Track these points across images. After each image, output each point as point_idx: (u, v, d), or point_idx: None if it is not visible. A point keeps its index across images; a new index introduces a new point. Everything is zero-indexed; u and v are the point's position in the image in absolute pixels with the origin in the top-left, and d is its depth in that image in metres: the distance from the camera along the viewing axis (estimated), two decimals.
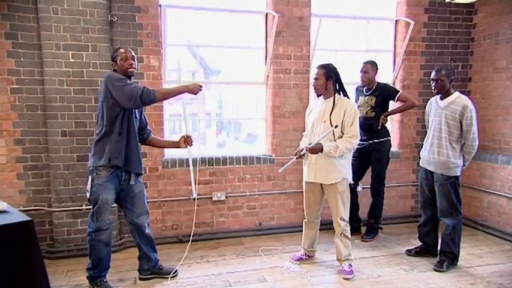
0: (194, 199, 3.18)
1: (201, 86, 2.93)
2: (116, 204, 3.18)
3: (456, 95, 3.27)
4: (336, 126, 3.08)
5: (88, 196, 2.91)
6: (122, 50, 2.91)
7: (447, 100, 3.27)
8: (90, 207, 2.92)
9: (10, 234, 2.07)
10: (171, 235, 4.02)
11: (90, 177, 2.89)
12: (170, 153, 4.13)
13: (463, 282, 3.15)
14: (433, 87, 3.31)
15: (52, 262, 3.49)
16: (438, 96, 3.37)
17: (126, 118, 2.87)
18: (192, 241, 3.99)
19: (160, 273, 3.21)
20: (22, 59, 3.46)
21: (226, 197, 4.15)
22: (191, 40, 4.29)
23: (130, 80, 2.91)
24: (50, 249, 3.64)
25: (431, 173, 3.40)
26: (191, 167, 3.25)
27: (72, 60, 3.48)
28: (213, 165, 4.08)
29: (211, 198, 4.10)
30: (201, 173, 4.06)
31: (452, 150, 3.24)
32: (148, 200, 3.83)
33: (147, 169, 3.86)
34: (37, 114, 3.54)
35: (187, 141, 3.16)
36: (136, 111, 3.00)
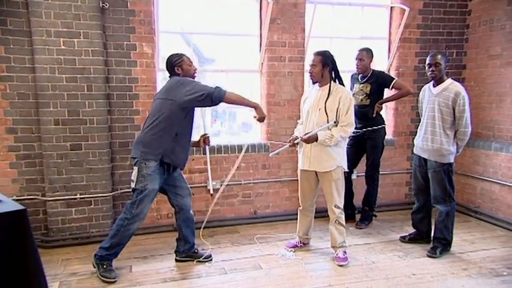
0: (211, 195, 3.40)
1: (264, 117, 3.08)
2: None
3: (449, 81, 3.27)
4: (335, 122, 3.09)
5: (133, 186, 2.94)
6: (186, 57, 3.05)
7: (440, 87, 3.27)
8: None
9: (3, 223, 2.04)
10: (166, 223, 4.02)
11: (136, 167, 2.92)
12: None
13: (456, 267, 3.19)
14: (429, 73, 3.28)
15: (47, 251, 3.48)
16: (431, 84, 3.37)
17: (188, 119, 2.98)
18: None
19: (195, 256, 3.30)
20: (12, 46, 3.39)
21: (221, 185, 4.13)
22: (185, 27, 4.23)
23: None
24: (45, 238, 3.63)
25: (425, 160, 3.41)
26: (209, 165, 3.34)
27: (63, 47, 3.42)
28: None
29: (206, 186, 4.09)
30: (196, 162, 4.05)
31: (446, 137, 3.25)
32: None
33: None
34: (29, 103, 3.49)
35: (205, 140, 3.27)
36: (195, 111, 3.08)
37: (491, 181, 4.28)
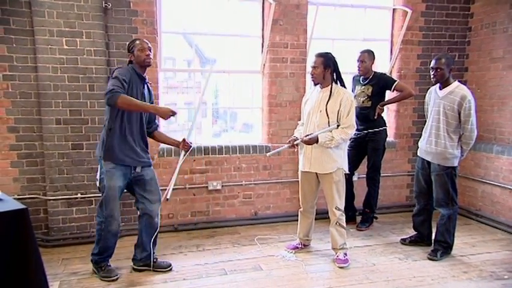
0: (167, 200, 3.11)
1: (172, 112, 2.81)
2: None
3: (455, 84, 3.24)
4: (338, 125, 3.08)
5: (97, 185, 2.92)
6: (138, 41, 2.90)
7: (446, 90, 3.24)
8: (98, 195, 2.99)
9: (5, 222, 2.05)
10: (167, 224, 4.02)
11: (99, 165, 2.91)
12: None
13: (456, 270, 3.19)
14: (432, 76, 3.27)
15: (48, 250, 3.49)
16: (437, 86, 3.34)
17: (126, 115, 2.86)
18: (188, 230, 4.03)
19: (154, 266, 3.13)
20: (14, 45, 3.40)
21: (222, 186, 4.14)
22: (187, 28, 4.24)
23: (145, 71, 2.95)
24: (46, 237, 3.63)
25: (428, 163, 3.40)
26: (177, 171, 3.12)
27: (66, 47, 3.42)
28: (209, 154, 4.07)
29: (207, 187, 4.10)
30: (197, 162, 4.05)
31: (450, 141, 3.23)
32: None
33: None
34: (31, 102, 3.50)
35: (185, 145, 3.12)
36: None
37: (493, 184, 4.28)
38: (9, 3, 3.34)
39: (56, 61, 3.42)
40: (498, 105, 4.33)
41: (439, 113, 3.26)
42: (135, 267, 3.15)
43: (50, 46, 3.39)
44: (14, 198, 2.58)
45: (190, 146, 3.14)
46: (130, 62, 2.94)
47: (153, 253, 3.16)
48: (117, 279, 2.97)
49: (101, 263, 3.01)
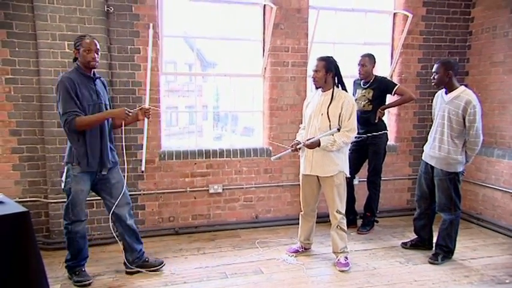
0: (142, 172, 3.11)
1: (127, 112, 2.84)
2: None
3: (461, 89, 3.20)
4: (338, 129, 3.09)
5: (62, 187, 2.91)
6: (87, 41, 2.78)
7: (452, 95, 3.21)
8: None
9: (6, 224, 2.05)
10: (167, 227, 4.03)
11: (65, 168, 2.88)
12: (167, 145, 4.13)
13: (458, 274, 3.18)
14: (432, 80, 3.31)
15: (49, 253, 3.49)
16: (444, 90, 3.31)
17: None
18: (189, 233, 4.03)
19: (146, 266, 3.13)
20: (17, 49, 3.42)
21: (223, 189, 4.15)
22: (188, 32, 4.26)
23: (91, 71, 2.85)
24: (46, 240, 3.64)
25: (432, 167, 3.38)
26: (145, 141, 3.15)
27: (68, 50, 3.44)
28: (210, 157, 4.08)
29: (208, 190, 4.10)
30: (198, 166, 4.06)
31: (454, 146, 3.20)
32: (145, 192, 3.85)
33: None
34: (33, 105, 3.52)
35: (146, 112, 3.05)
36: (102, 104, 2.90)
37: (494, 188, 4.27)
38: (12, 7, 3.36)
39: (58, 65, 3.44)
40: (499, 109, 4.33)
41: (444, 118, 3.23)
42: (128, 270, 3.13)
43: (52, 50, 3.41)
44: (16, 201, 2.60)
45: (149, 110, 3.07)
46: (75, 59, 2.83)
47: (143, 252, 3.16)
48: (90, 283, 2.96)
49: (75, 268, 2.98)
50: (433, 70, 3.26)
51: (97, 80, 2.92)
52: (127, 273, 3.13)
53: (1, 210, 2.12)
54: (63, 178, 2.89)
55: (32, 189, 3.61)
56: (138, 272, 3.12)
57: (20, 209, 2.15)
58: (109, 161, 2.94)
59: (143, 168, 3.17)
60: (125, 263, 3.14)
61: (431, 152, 3.36)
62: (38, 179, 3.61)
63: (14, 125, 3.50)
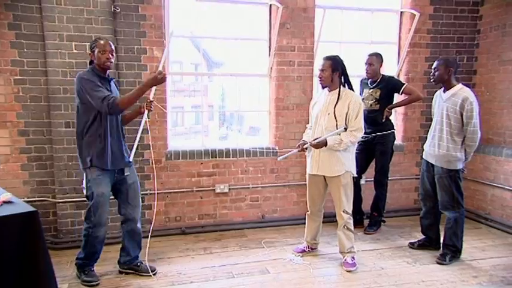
0: (129, 162, 3.04)
1: (161, 73, 2.70)
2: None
3: (458, 87, 3.23)
4: (345, 128, 3.09)
5: (85, 193, 2.91)
6: (101, 42, 2.80)
7: (449, 92, 3.25)
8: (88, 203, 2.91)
9: (15, 224, 2.08)
10: (174, 227, 4.04)
11: (84, 174, 2.89)
12: (174, 145, 4.14)
13: (466, 275, 3.16)
14: (431, 77, 3.33)
15: (56, 253, 3.51)
16: (442, 89, 3.35)
17: (104, 118, 2.82)
18: (195, 233, 4.04)
19: (138, 270, 3.14)
20: (25, 49, 3.45)
21: (230, 189, 4.15)
22: (194, 32, 4.27)
23: (106, 73, 2.88)
24: (54, 239, 3.67)
25: (433, 165, 3.39)
26: (139, 133, 3.12)
27: (75, 51, 3.46)
28: (216, 157, 4.09)
29: (214, 190, 4.11)
30: (204, 165, 4.07)
31: (453, 144, 3.22)
32: (151, 192, 3.87)
33: (150, 161, 3.87)
34: (41, 106, 3.55)
35: (148, 105, 3.01)
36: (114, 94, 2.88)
37: (502, 188, 4.23)
38: (21, 8, 3.40)
39: (66, 65, 3.46)
40: (507, 108, 4.29)
41: (442, 116, 3.26)
42: (120, 269, 3.16)
43: (59, 50, 3.43)
44: (24, 201, 2.62)
45: (152, 103, 3.03)
46: (91, 61, 2.86)
47: (138, 257, 3.17)
48: (98, 283, 2.96)
49: (85, 267, 3.00)
50: (433, 67, 3.28)
51: (111, 81, 2.96)
52: (120, 272, 3.16)
53: (10, 210, 2.15)
54: (84, 184, 2.89)
55: (39, 189, 3.64)
56: (130, 273, 3.14)
57: (29, 208, 2.18)
58: (124, 161, 2.96)
59: (131, 159, 3.08)
60: (118, 262, 3.18)
61: (431, 151, 3.37)
62: (46, 179, 3.64)
63: (22, 126, 3.53)
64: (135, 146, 3.14)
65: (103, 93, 2.72)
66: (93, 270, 3.04)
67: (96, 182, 2.83)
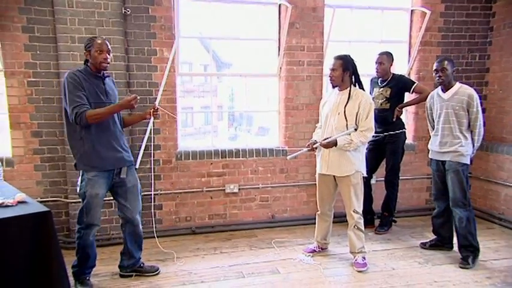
0: (136, 169, 3.07)
1: (133, 98, 2.73)
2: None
3: (458, 85, 3.29)
4: (355, 128, 3.07)
5: (77, 191, 2.83)
6: (98, 41, 2.72)
7: (450, 92, 3.28)
8: (81, 202, 2.85)
9: (29, 224, 2.11)
10: (184, 227, 4.06)
11: (80, 172, 2.81)
12: (184, 145, 4.17)
13: (479, 276, 3.11)
14: (436, 78, 3.29)
15: (69, 252, 3.53)
16: (439, 90, 3.37)
17: None
18: (205, 233, 4.06)
19: (141, 271, 3.13)
20: (38, 52, 3.51)
21: (239, 189, 4.16)
22: (203, 32, 4.29)
23: (101, 73, 2.80)
24: (67, 239, 3.71)
25: (443, 163, 3.37)
26: (145, 140, 3.16)
27: None
28: (226, 157, 4.10)
29: (224, 190, 4.12)
30: (214, 165, 4.08)
31: (465, 139, 3.26)
32: (162, 192, 3.90)
33: (161, 161, 3.90)
34: (53, 107, 3.60)
35: (154, 112, 3.04)
36: (111, 103, 2.83)
37: None
38: (34, 12, 3.45)
39: (77, 67, 3.49)
40: None
41: (448, 115, 3.27)
42: (122, 273, 3.12)
43: (71, 52, 3.48)
44: (37, 201, 2.66)
45: (158, 111, 3.07)
46: (86, 61, 2.79)
47: (140, 258, 3.16)
48: None
49: (80, 275, 2.89)
50: (439, 67, 3.25)
51: (106, 78, 2.87)
52: (121, 276, 3.11)
53: (24, 209, 2.19)
54: (78, 182, 2.81)
55: (52, 189, 3.70)
56: (132, 275, 3.11)
57: (42, 208, 2.21)
58: (123, 158, 2.89)
59: (137, 166, 3.11)
60: (119, 266, 3.13)
61: (441, 149, 3.36)
62: (59, 179, 3.69)
63: (35, 127, 3.59)
64: (141, 152, 3.15)
65: (77, 101, 2.63)
66: (89, 279, 2.94)
67: (91, 183, 2.75)
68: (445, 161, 3.35)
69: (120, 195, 2.96)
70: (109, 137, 2.82)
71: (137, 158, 3.11)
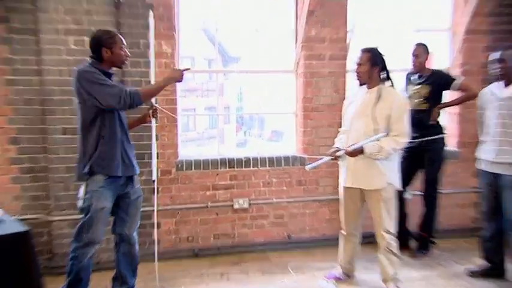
0: (153, 181, 3.15)
1: (182, 70, 2.99)
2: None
3: None
4: (387, 133, 3.05)
5: (80, 205, 2.85)
6: (119, 36, 2.86)
7: (511, 89, 3.20)
8: (82, 217, 2.86)
9: (5, 246, 2.11)
10: (186, 248, 4.06)
11: (84, 183, 2.84)
12: (185, 153, 4.17)
13: None
14: (496, 70, 3.24)
15: (52, 279, 3.52)
16: (494, 86, 3.30)
17: (108, 119, 2.81)
18: (210, 255, 4.05)
19: None
20: (18, 45, 3.55)
21: (250, 204, 4.15)
22: (208, 22, 4.31)
23: (111, 69, 2.90)
24: (49, 264, 3.72)
25: (496, 176, 3.30)
26: (154, 144, 3.22)
27: (73, 47, 3.55)
28: (234, 167, 4.10)
29: (232, 206, 4.12)
30: (220, 177, 4.08)
31: None
32: (159, 208, 3.89)
33: (159, 171, 3.90)
34: (35, 109, 3.63)
35: (153, 114, 3.13)
36: None
37: None
38: None
39: (63, 63, 3.55)
40: None
41: (505, 117, 3.20)
42: None
43: (56, 46, 3.53)
44: (15, 219, 2.67)
45: (156, 111, 3.17)
46: (96, 57, 2.83)
47: (133, 286, 3.14)
48: None
49: None
50: (496, 58, 3.21)
51: (112, 75, 2.95)
52: None
53: (0, 229, 2.19)
54: (81, 195, 2.85)
55: (33, 205, 3.72)
56: None
57: (20, 228, 2.21)
58: (134, 167, 2.99)
59: (154, 178, 3.21)
60: None
61: (494, 159, 3.29)
62: (40, 194, 3.72)
63: (13, 132, 3.62)
64: (154, 161, 3.19)
65: (116, 85, 2.78)
66: None
67: (97, 195, 2.79)
68: (499, 174, 3.28)
69: (121, 208, 3.01)
70: (123, 140, 2.93)
71: (151, 167, 3.19)
